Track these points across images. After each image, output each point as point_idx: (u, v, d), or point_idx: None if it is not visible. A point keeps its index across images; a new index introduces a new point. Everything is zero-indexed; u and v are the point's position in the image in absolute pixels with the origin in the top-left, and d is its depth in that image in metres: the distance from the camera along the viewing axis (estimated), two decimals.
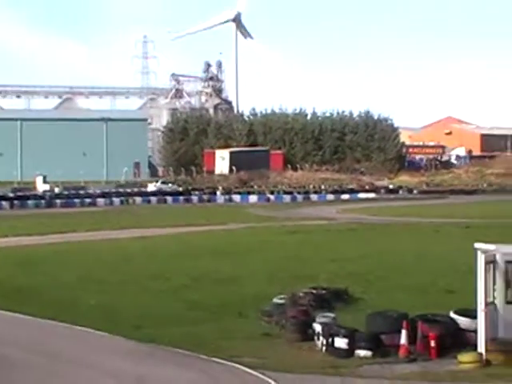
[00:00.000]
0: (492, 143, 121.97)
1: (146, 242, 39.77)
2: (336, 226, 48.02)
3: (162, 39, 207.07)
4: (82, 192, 79.27)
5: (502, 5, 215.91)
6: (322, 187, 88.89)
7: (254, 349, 17.64)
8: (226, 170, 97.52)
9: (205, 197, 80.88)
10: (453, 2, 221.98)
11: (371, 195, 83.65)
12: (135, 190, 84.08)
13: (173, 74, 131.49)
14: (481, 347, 16.23)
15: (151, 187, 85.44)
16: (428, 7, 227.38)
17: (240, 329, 19.50)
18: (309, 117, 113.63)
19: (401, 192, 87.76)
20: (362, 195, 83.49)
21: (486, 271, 16.52)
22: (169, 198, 78.36)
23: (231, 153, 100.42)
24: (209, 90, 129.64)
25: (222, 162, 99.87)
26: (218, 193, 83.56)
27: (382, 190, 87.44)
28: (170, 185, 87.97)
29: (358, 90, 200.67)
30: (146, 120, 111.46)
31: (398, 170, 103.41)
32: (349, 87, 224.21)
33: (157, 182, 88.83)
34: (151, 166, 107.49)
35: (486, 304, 16.38)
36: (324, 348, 17.34)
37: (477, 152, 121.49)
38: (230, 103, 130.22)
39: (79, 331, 19.65)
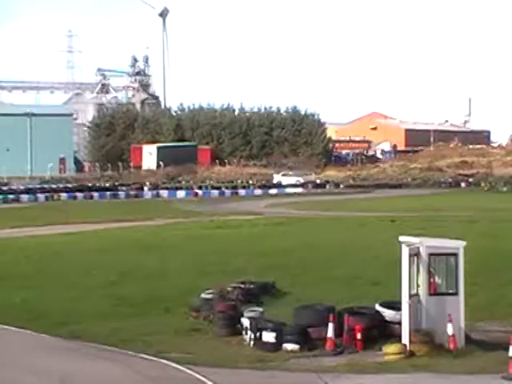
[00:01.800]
0: (416, 138, 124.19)
1: (72, 237, 39.23)
2: (263, 220, 48.18)
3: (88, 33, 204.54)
4: (4, 188, 77.68)
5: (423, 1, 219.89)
6: (250, 182, 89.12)
7: (181, 344, 17.58)
8: (153, 166, 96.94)
9: (132, 192, 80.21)
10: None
11: (299, 190, 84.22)
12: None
13: (99, 69, 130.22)
14: (405, 339, 16.52)
15: (276, 179, 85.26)
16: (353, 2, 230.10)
17: (167, 324, 19.39)
18: (236, 112, 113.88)
19: (328, 186, 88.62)
20: (289, 190, 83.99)
21: (410, 264, 16.81)
22: (95, 194, 77.45)
23: (158, 148, 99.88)
24: (136, 85, 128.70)
25: (149, 157, 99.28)
26: (146, 188, 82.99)
27: (310, 185, 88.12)
28: (297, 178, 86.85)
29: (285, 85, 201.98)
30: (71, 115, 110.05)
31: (324, 165, 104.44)
32: (276, 83, 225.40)
33: (278, 173, 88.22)
34: (77, 162, 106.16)
35: (410, 296, 16.68)
36: (252, 342, 17.38)
37: (401, 146, 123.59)
38: (157, 98, 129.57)
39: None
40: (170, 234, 40.82)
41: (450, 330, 16.56)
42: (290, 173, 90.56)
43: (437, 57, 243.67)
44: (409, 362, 15.82)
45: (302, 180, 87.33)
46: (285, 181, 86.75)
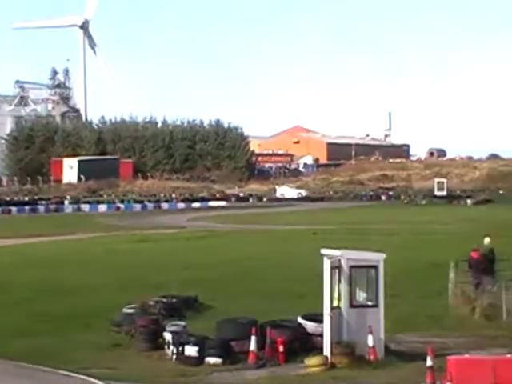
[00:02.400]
0: (337, 152, 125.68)
1: None
2: (186, 234, 48.00)
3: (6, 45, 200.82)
4: None
5: (343, 19, 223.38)
6: (173, 196, 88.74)
7: (103, 359, 17.33)
8: (74, 179, 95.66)
9: (52, 206, 78.89)
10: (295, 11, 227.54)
11: (222, 203, 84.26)
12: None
13: (17, 81, 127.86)
14: (326, 351, 16.64)
15: (279, 191, 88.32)
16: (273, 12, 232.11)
17: (88, 340, 19.10)
18: (159, 125, 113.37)
19: (251, 200, 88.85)
20: (212, 203, 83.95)
21: (332, 276, 16.95)
22: (14, 209, 75.88)
23: (79, 161, 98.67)
24: (56, 98, 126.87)
25: (70, 170, 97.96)
26: (66, 202, 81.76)
27: (233, 198, 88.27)
28: (298, 191, 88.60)
29: (209, 99, 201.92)
30: None
31: (248, 178, 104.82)
32: (199, 96, 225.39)
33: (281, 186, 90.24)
34: None
35: (332, 308, 16.82)
36: (174, 357, 17.25)
37: (323, 160, 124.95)
38: (77, 111, 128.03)
39: None
40: (92, 248, 40.29)
41: (370, 341, 16.77)
42: (292, 185, 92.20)
43: (358, 71, 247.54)
44: (330, 374, 15.94)
45: (303, 193, 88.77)
46: (288, 193, 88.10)
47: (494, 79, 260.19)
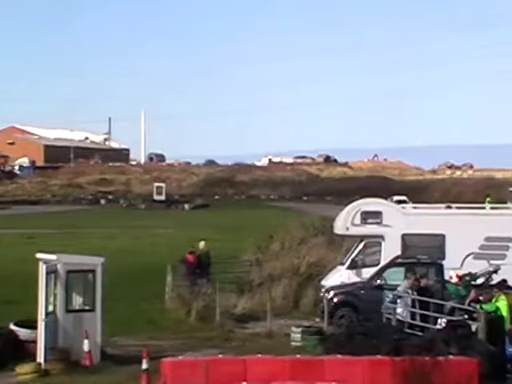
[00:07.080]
0: (56, 154, 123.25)
1: None
2: None
3: None
4: None
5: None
6: None
7: None
8: None
9: None
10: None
11: None
12: None
13: None
14: (40, 357, 16.22)
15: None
16: None
17: None
18: None
19: None
20: None
21: (48, 281, 16.60)
22: None
23: None
24: None
25: None
26: None
27: None
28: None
29: None
30: None
31: None
32: None
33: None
34: None
35: (47, 314, 16.45)
36: None
37: (41, 163, 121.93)
38: None
39: None
40: None
41: (86, 346, 16.60)
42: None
43: (80, 75, 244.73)
44: (43, 381, 15.57)
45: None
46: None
47: (222, 88, 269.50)
